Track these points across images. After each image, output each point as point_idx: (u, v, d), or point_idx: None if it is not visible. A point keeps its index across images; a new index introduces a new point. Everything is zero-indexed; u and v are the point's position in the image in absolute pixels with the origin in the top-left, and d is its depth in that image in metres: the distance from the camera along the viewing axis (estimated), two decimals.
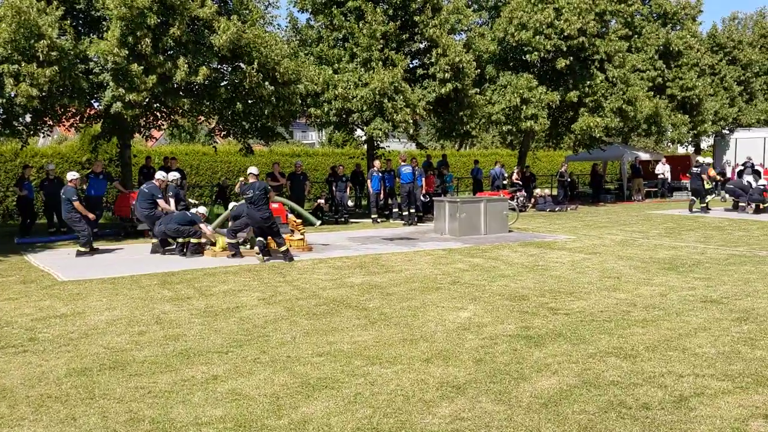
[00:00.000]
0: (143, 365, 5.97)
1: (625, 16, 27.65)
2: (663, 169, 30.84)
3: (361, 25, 20.37)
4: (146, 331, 7.16)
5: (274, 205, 14.60)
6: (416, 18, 20.89)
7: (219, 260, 12.37)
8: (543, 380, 5.42)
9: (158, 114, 19.38)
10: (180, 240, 13.02)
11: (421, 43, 21.56)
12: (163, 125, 20.89)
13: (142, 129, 19.56)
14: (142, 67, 14.73)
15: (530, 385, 5.30)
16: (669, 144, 42.02)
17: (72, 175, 13.61)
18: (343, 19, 20.95)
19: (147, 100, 15.53)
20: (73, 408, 4.96)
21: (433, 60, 20.76)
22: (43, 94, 14.04)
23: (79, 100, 15.33)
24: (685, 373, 5.54)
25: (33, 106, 14.11)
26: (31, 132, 17.08)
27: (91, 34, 15.92)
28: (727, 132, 34.19)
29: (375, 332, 7.00)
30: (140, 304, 8.53)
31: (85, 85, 14.90)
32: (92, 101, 16.75)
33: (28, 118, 16.26)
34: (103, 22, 15.68)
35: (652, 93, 28.59)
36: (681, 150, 44.87)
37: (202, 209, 13.85)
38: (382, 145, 23.28)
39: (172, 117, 19.86)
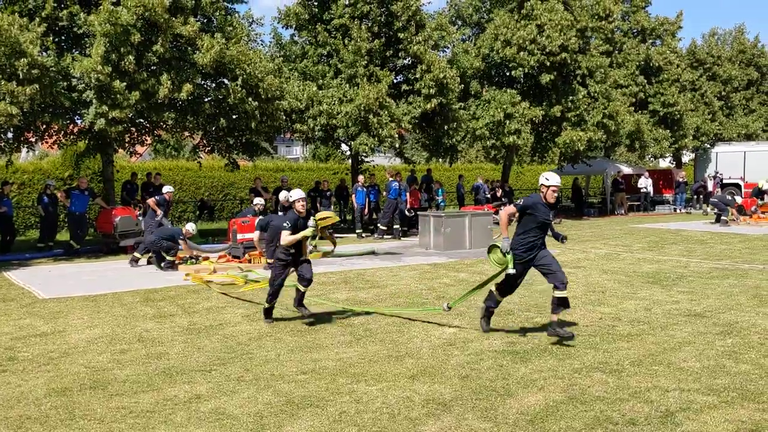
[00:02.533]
0: (125, 384, 5.88)
1: (606, 32, 27.98)
2: (645, 183, 31.11)
3: (345, 41, 20.44)
4: (128, 350, 7.06)
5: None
6: (400, 35, 20.99)
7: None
8: (529, 396, 5.39)
9: (142, 129, 19.29)
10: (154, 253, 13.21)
11: (406, 59, 21.66)
12: (146, 140, 20.78)
13: (126, 145, 19.46)
14: (125, 84, 14.67)
15: (516, 402, 5.27)
16: (651, 158, 42.44)
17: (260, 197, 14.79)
18: (328, 35, 21.02)
19: (131, 116, 15.47)
20: (52, 429, 4.86)
21: (417, 76, 20.85)
22: (24, 111, 13.94)
23: (61, 118, 15.21)
24: (671, 388, 5.54)
25: (13, 124, 13.99)
26: (13, 149, 16.90)
27: (73, 51, 15.84)
28: (708, 146, 34.61)
29: (360, 349, 6.95)
30: (122, 322, 8.42)
31: (67, 103, 14.81)
32: (75, 118, 16.63)
33: (9, 134, 16.11)
34: (86, 39, 15.61)
35: (634, 108, 28.90)
36: (663, 164, 45.29)
37: (189, 226, 13.75)
38: (366, 159, 23.31)
39: (155, 132, 19.78)
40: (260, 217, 14.37)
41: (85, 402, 5.45)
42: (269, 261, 13.08)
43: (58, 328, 8.18)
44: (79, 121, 16.89)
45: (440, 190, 24.59)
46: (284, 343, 7.25)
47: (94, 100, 14.77)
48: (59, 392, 5.71)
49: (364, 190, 20.64)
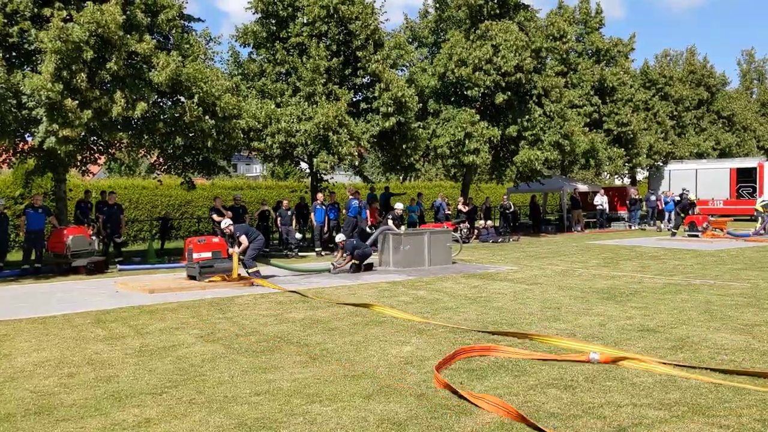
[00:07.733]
0: (71, 409, 5.70)
1: (561, 52, 28.55)
2: (601, 201, 31.68)
3: (304, 59, 20.45)
4: (76, 373, 6.86)
5: (215, 240, 14.39)
6: (359, 53, 21.09)
7: (156, 297, 12.01)
8: (484, 414, 5.37)
9: (95, 148, 18.93)
10: None
11: (364, 77, 21.76)
12: (100, 159, 20.40)
13: (77, 164, 19.05)
14: (77, 102, 14.40)
15: (471, 420, 5.25)
16: (607, 176, 43.33)
17: None
18: (286, 53, 21.00)
19: (82, 134, 15.18)
20: None
21: (376, 94, 20.94)
22: None
23: (9, 136, 14.85)
24: (624, 403, 5.59)
25: None
26: None
27: (24, 68, 15.51)
28: (661, 164, 35.51)
29: (316, 369, 6.86)
30: (71, 345, 8.19)
31: (14, 125, 14.46)
32: (26, 135, 16.25)
33: None
34: (37, 55, 15.31)
35: (588, 128, 29.50)
36: (617, 182, 46.24)
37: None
38: (326, 177, 23.29)
39: (110, 151, 19.44)
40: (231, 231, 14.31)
41: (29, 428, 5.26)
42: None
43: (3, 351, 7.92)
44: (29, 139, 16.50)
45: (415, 207, 24.63)
46: (239, 364, 7.13)
47: (44, 118, 14.46)
48: (2, 418, 5.50)
49: (323, 208, 20.60)
